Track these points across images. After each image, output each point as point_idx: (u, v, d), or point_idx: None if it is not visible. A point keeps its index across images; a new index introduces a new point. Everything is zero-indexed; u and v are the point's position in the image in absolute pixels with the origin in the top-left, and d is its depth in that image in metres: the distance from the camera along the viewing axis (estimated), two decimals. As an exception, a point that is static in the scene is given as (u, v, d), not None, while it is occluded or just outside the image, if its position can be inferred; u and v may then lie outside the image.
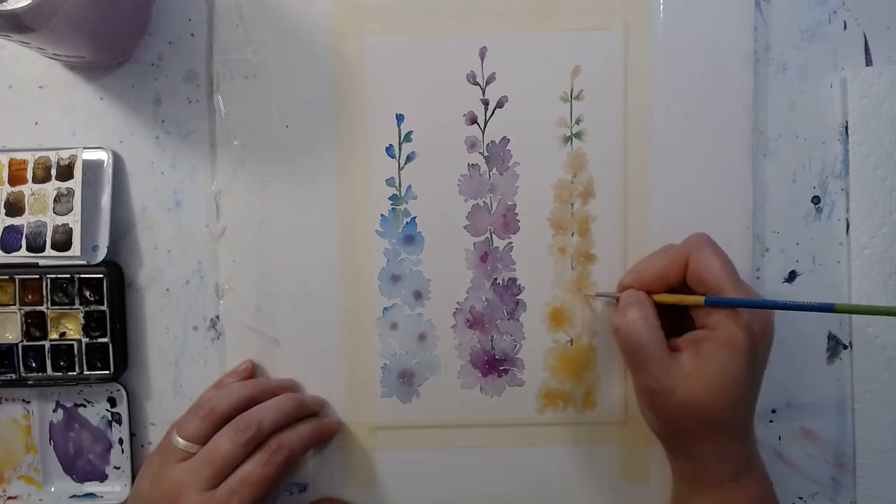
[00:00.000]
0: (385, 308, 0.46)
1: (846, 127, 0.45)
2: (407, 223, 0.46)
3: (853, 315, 0.46)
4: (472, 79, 0.45)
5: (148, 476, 0.41)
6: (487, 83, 0.45)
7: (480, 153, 0.45)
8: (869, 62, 0.46)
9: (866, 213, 0.45)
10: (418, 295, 0.46)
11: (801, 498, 0.47)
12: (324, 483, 0.47)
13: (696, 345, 0.39)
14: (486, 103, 0.45)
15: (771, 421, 0.47)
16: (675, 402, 0.38)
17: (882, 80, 0.45)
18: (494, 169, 0.45)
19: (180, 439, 0.41)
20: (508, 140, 0.45)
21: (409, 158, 0.45)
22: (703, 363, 0.38)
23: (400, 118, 0.45)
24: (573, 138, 0.45)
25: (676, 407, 0.38)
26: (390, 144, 0.45)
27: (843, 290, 0.46)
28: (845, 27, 0.46)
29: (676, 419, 0.39)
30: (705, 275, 0.39)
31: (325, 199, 0.45)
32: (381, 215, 0.46)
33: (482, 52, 0.45)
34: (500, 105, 0.45)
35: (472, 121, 0.45)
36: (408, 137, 0.45)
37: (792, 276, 0.46)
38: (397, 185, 0.45)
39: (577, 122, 0.45)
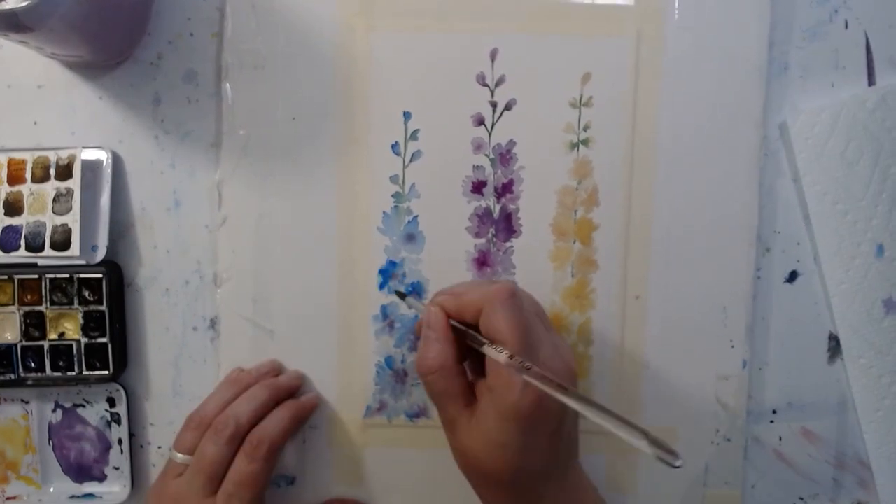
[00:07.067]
0: (382, 305, 0.46)
1: (797, 172, 0.45)
2: (409, 221, 0.45)
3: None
4: (481, 80, 0.44)
5: (152, 499, 0.41)
6: (497, 85, 0.44)
7: (486, 155, 0.45)
8: (870, 61, 0.45)
9: (835, 249, 0.45)
10: (416, 295, 0.46)
11: (801, 498, 0.47)
12: (312, 478, 0.46)
13: (480, 398, 0.36)
14: (494, 105, 0.45)
15: (772, 421, 0.47)
16: (458, 453, 0.37)
17: (823, 117, 0.44)
18: (499, 171, 0.45)
19: (178, 454, 0.41)
20: (515, 143, 0.45)
21: (414, 157, 0.45)
22: (478, 421, 0.36)
23: (407, 116, 0.45)
24: (580, 145, 0.45)
25: (460, 458, 0.37)
26: (396, 142, 0.45)
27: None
28: (846, 26, 0.45)
29: (464, 469, 0.38)
30: (494, 338, 0.35)
31: (326, 193, 0.45)
32: (384, 212, 0.45)
33: (493, 54, 0.44)
34: (508, 108, 0.45)
35: (480, 122, 0.45)
36: (414, 135, 0.45)
37: (793, 277, 0.46)
38: (401, 182, 0.45)
39: (585, 128, 0.45)
